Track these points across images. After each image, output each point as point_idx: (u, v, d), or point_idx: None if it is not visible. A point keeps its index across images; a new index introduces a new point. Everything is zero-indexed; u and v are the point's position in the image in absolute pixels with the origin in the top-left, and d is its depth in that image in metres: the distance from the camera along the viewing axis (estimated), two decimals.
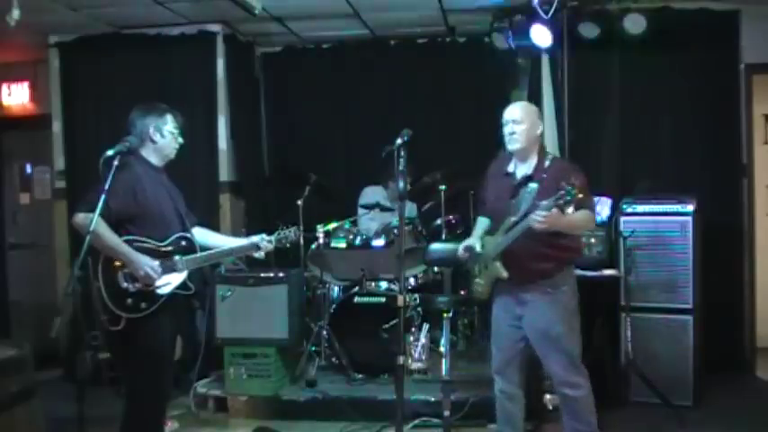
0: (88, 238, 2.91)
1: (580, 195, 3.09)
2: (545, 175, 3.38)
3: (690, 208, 4.58)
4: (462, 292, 4.83)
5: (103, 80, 5.88)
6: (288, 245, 3.73)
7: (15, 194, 6.84)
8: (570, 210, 3.16)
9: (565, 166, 3.48)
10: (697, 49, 5.28)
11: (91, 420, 3.02)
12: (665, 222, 4.62)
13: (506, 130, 3.48)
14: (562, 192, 3.05)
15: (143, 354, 3.23)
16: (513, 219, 3.36)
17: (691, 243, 4.55)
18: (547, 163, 3.46)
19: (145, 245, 3.22)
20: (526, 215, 3.25)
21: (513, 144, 3.47)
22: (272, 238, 3.62)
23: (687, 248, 4.56)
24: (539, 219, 3.14)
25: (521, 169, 3.52)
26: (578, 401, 3.46)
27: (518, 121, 3.45)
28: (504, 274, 3.44)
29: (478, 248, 3.56)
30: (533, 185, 3.35)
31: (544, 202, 3.13)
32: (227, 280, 4.75)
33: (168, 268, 3.24)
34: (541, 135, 3.57)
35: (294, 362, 4.91)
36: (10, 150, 6.82)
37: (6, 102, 6.64)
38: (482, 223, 3.73)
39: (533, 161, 3.48)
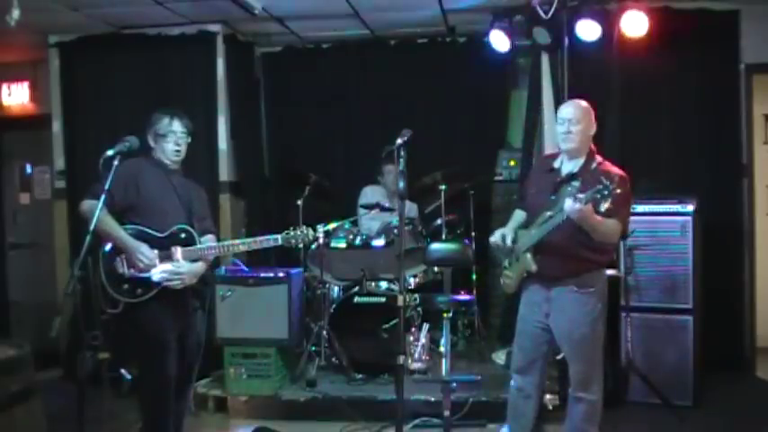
0: (88, 238, 2.98)
1: (618, 191, 3.03)
2: (589, 175, 3.35)
3: (690, 208, 4.58)
4: (462, 292, 4.83)
5: (103, 80, 5.87)
6: (300, 244, 3.79)
7: (15, 194, 6.83)
8: (606, 205, 3.10)
9: (610, 169, 3.42)
10: (697, 49, 5.28)
11: (91, 420, 3.04)
12: (665, 222, 4.61)
13: (562, 128, 3.46)
14: (600, 186, 3.03)
15: (142, 339, 3.41)
16: (549, 213, 3.34)
17: (691, 243, 4.55)
18: (594, 164, 3.44)
19: (144, 233, 3.40)
20: (562, 210, 3.23)
21: (567, 143, 3.46)
22: (280, 237, 3.67)
23: (687, 248, 4.55)
24: (576, 206, 3.09)
25: (566, 167, 3.51)
26: (591, 405, 3.44)
27: (574, 121, 3.44)
28: (534, 267, 3.42)
29: (509, 240, 3.54)
30: (576, 183, 3.32)
31: (581, 195, 3.10)
32: (227, 280, 4.75)
33: (166, 257, 3.41)
34: (593, 136, 3.54)
35: (294, 362, 4.91)
36: (10, 150, 6.82)
37: (6, 102, 6.64)
38: (518, 216, 3.73)
39: (581, 160, 3.47)
